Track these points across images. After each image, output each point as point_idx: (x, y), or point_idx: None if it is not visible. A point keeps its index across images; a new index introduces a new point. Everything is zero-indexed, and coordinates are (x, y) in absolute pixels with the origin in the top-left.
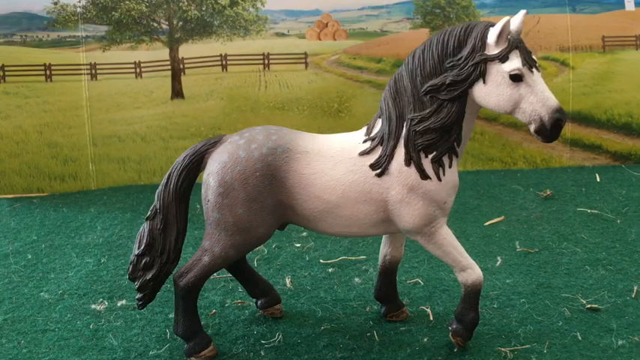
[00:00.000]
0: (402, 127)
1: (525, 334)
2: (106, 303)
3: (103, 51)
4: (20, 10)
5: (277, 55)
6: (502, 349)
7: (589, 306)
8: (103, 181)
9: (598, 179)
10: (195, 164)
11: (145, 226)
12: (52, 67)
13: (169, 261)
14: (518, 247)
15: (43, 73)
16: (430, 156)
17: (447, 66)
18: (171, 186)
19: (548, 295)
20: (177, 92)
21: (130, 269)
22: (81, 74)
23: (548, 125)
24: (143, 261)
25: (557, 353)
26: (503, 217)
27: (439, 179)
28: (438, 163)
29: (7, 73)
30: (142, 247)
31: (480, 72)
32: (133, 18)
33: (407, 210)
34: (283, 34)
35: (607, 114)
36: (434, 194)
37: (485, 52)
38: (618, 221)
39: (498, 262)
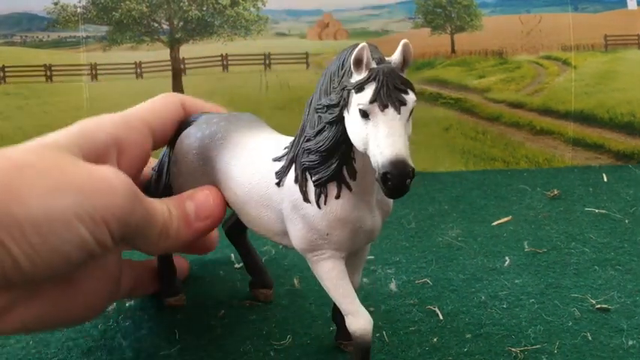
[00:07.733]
0: (300, 141)
1: (535, 334)
2: (114, 304)
3: (104, 51)
4: (20, 11)
5: (278, 55)
6: (512, 349)
7: (598, 306)
8: None
9: (605, 179)
10: None
11: None
12: (53, 68)
13: None
14: (526, 247)
15: (43, 73)
16: (313, 178)
17: (334, 86)
18: None
19: (558, 295)
20: (178, 92)
21: None
22: (81, 75)
23: (379, 178)
24: None
25: (567, 353)
26: (511, 217)
27: (318, 206)
28: (319, 189)
29: (7, 73)
30: None
31: (344, 99)
32: (134, 18)
33: (291, 227)
34: (284, 34)
35: (609, 113)
36: (313, 220)
37: (349, 79)
38: (626, 221)
39: (507, 262)
